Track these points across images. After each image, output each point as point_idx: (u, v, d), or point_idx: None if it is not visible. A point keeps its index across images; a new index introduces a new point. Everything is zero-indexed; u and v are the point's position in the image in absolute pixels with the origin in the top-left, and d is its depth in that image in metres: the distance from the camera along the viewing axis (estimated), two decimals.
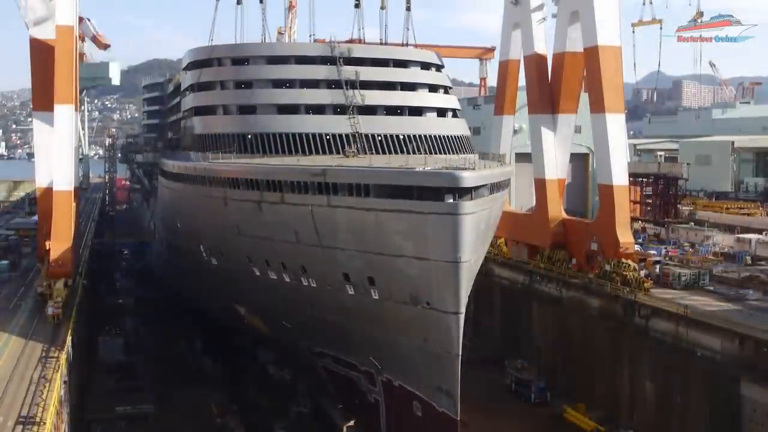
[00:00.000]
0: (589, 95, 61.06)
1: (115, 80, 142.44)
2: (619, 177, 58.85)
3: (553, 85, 65.99)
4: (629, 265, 55.04)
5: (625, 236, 57.54)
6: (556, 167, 65.43)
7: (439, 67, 60.11)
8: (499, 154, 55.94)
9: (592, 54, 58.81)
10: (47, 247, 55.06)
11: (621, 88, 60.18)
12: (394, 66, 56.76)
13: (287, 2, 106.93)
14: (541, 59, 66.73)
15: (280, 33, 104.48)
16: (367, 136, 50.86)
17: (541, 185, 65.54)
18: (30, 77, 60.90)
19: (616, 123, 58.77)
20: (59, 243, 54.60)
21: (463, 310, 37.94)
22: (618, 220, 57.70)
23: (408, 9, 71.30)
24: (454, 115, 58.25)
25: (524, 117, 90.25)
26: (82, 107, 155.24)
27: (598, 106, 59.05)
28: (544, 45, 67.28)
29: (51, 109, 57.81)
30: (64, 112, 57.62)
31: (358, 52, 55.63)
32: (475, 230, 37.25)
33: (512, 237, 69.64)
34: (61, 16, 58.28)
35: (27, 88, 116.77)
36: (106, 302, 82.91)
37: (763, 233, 69.29)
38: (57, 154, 57.69)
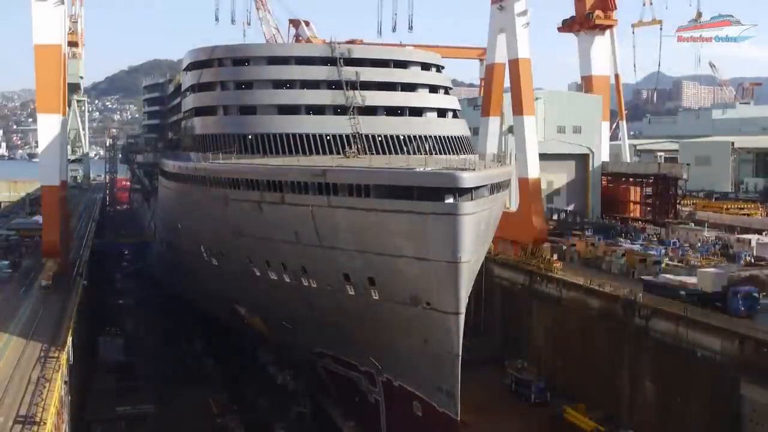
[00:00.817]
0: (512, 100, 70.70)
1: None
2: (534, 171, 68.51)
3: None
4: (544, 248, 65.29)
5: (538, 223, 68.03)
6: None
7: (439, 68, 60.22)
8: (500, 155, 56.21)
9: (514, 65, 69.15)
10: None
11: (533, 95, 71.37)
12: (394, 66, 56.86)
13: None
14: (524, 63, 69.73)
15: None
16: (367, 136, 50.98)
17: (524, 184, 69.79)
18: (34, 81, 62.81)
19: (530, 123, 68.99)
20: (49, 229, 62.97)
21: (463, 310, 38.00)
22: (533, 209, 67.84)
23: (410, 29, 74.30)
24: (455, 116, 58.36)
25: None
26: (82, 108, 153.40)
27: (518, 109, 69.28)
28: (528, 49, 69.93)
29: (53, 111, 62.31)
30: (49, 121, 62.24)
31: (359, 52, 55.72)
32: (475, 230, 37.30)
33: (499, 235, 72.36)
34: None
35: (28, 89, 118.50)
36: (107, 302, 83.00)
37: (763, 233, 69.35)
38: (44, 154, 63.64)
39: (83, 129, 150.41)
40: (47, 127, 62.04)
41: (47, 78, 60.96)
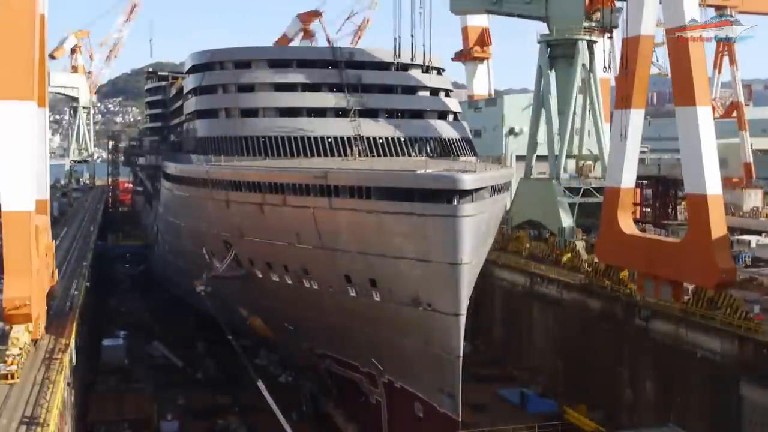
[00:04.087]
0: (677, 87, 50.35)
1: None
2: (714, 185, 46.80)
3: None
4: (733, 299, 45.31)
5: (723, 260, 45.57)
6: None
7: (440, 70, 60.52)
8: (501, 156, 56.47)
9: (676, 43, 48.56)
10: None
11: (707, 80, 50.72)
12: (395, 69, 57.09)
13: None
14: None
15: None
16: (368, 138, 51.30)
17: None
18: None
19: (705, 117, 47.81)
20: (16, 279, 39.02)
21: (464, 311, 38.15)
22: (715, 241, 45.68)
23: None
24: (455, 118, 58.63)
25: (525, 119, 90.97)
26: (87, 109, 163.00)
27: (686, 98, 48.63)
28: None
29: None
30: (17, 110, 39.90)
31: (360, 55, 56.02)
32: (476, 232, 37.49)
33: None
34: None
35: None
36: (110, 305, 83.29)
37: (762, 235, 69.48)
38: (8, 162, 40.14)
39: (87, 131, 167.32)
40: (14, 119, 39.53)
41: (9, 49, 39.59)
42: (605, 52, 73.21)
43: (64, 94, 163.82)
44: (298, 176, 42.98)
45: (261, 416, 54.03)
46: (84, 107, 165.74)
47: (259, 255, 48.90)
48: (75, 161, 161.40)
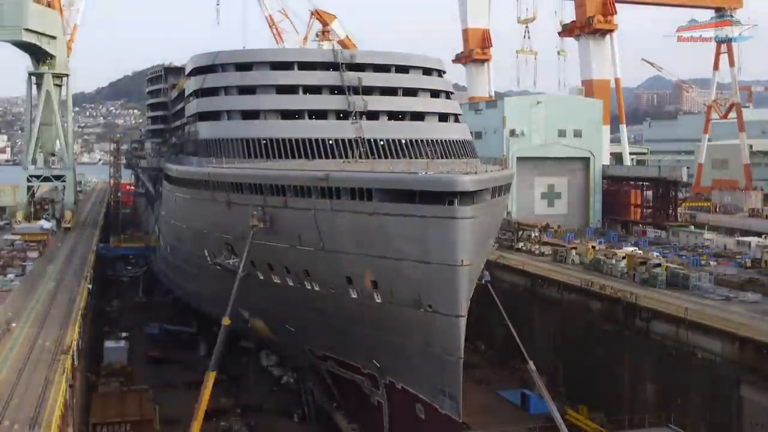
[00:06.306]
0: None
1: None
2: None
3: None
4: None
5: None
6: None
7: (440, 72, 60.65)
8: (501, 158, 56.66)
9: None
10: None
11: None
12: (396, 71, 57.28)
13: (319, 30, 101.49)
14: None
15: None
16: (369, 140, 51.43)
17: None
18: None
19: None
20: None
21: (464, 313, 38.26)
22: None
23: None
24: (456, 120, 58.78)
25: (526, 120, 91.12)
26: (62, 79, 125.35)
27: None
28: None
29: None
30: None
31: (361, 57, 56.19)
32: (477, 234, 37.61)
33: None
34: None
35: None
36: (111, 306, 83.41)
37: (763, 236, 69.63)
38: None
39: (65, 130, 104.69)
40: None
41: None
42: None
43: (33, 44, 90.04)
44: (299, 178, 43.09)
45: (263, 417, 54.27)
46: (57, 75, 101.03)
47: (260, 257, 49.01)
48: (33, 176, 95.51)
